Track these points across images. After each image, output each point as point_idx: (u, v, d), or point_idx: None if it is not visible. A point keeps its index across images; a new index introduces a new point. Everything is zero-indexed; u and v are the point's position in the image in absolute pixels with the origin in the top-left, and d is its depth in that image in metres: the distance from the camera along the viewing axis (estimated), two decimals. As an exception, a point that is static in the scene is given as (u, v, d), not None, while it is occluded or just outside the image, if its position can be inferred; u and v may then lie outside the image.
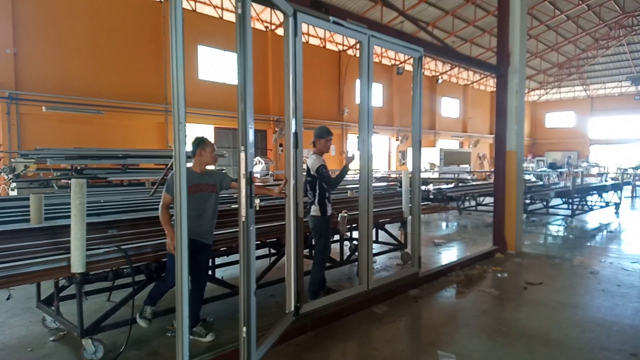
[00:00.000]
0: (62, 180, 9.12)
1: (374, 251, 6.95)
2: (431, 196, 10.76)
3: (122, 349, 3.60)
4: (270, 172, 16.93)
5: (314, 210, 4.72)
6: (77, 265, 3.26)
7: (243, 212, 2.95)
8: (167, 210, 3.71)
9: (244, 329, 3.03)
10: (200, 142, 3.90)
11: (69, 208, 3.30)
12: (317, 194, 4.69)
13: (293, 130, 4.04)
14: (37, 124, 13.92)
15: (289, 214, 3.97)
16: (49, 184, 9.08)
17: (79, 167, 9.66)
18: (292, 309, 3.98)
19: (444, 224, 11.08)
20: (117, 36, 15.60)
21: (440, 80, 30.41)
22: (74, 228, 3.24)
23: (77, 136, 14.20)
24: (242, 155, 2.96)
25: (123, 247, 3.69)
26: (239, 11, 3.08)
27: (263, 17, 20.62)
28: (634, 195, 17.33)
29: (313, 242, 4.96)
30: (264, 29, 20.67)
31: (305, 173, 4.70)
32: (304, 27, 21.76)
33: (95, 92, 14.97)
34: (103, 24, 15.29)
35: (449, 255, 7.51)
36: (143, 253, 3.76)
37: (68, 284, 3.71)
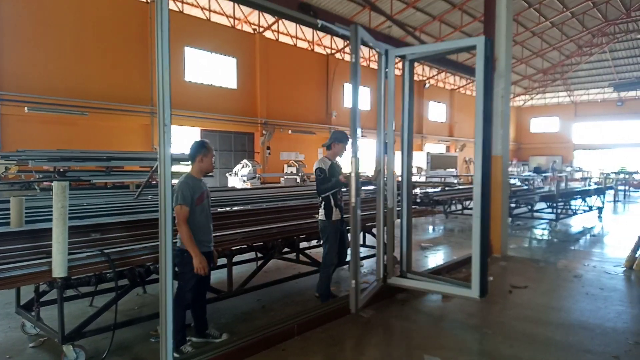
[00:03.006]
0: (45, 183, 8.95)
1: (361, 255, 6.94)
2: (418, 200, 10.81)
3: (104, 355, 3.53)
4: (257, 175, 16.85)
5: (321, 213, 4.77)
6: (58, 270, 3.20)
7: (353, 199, 4.11)
8: (187, 225, 3.51)
9: (353, 281, 4.23)
10: (201, 146, 3.71)
11: (51, 211, 3.23)
12: (322, 197, 4.73)
13: (384, 140, 4.97)
14: (19, 125, 13.66)
15: (379, 204, 4.93)
16: (31, 186, 8.90)
17: (61, 169, 9.49)
18: (381, 276, 5.03)
19: (430, 228, 11.14)
20: (102, 37, 15.41)
21: (427, 85, 30.67)
22: (55, 231, 3.17)
23: (61, 138, 13.99)
24: (353, 160, 4.13)
25: (106, 251, 3.62)
26: (353, 60, 4.09)
27: (251, 20, 20.58)
28: (616, 199, 17.64)
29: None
30: (252, 31, 20.63)
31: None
32: (292, 30, 21.80)
33: (80, 93, 14.75)
34: (88, 23, 15.10)
35: (435, 258, 7.54)
36: (127, 257, 3.69)
37: (49, 289, 3.63)
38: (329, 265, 4.92)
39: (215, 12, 19.35)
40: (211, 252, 3.83)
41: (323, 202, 4.74)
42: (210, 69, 18.94)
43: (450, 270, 6.33)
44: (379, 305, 4.86)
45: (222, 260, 4.67)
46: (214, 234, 4.19)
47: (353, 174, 4.09)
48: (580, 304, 5.09)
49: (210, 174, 3.90)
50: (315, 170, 4.72)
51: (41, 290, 3.76)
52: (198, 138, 17.52)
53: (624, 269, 6.65)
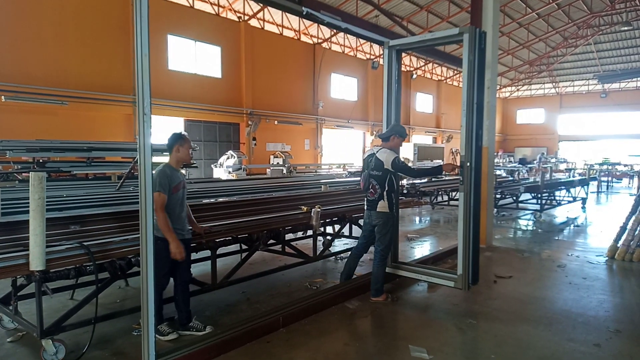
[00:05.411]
0: (24, 174, 8.73)
1: (348, 246, 6.93)
2: (405, 191, 10.83)
3: (85, 349, 3.46)
4: (243, 166, 16.72)
5: (382, 206, 4.66)
6: (36, 263, 3.11)
7: (466, 188, 4.46)
8: (164, 212, 3.56)
9: (462, 270, 4.53)
10: (178, 137, 3.81)
11: (29, 203, 3.13)
12: (386, 190, 4.63)
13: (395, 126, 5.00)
14: (-4, 114, 13.31)
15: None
16: (9, 177, 8.69)
17: (41, 160, 9.26)
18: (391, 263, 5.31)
19: (417, 219, 11.18)
20: (83, 24, 15.00)
21: (414, 76, 30.68)
22: (32, 224, 3.08)
23: (40, 128, 13.63)
24: (465, 145, 4.45)
25: (86, 243, 3.53)
26: (470, 58, 4.32)
27: (236, 7, 20.27)
28: (600, 190, 17.92)
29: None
30: (237, 19, 20.32)
31: (370, 168, 4.72)
32: (278, 19, 21.54)
33: (60, 82, 14.37)
34: (69, 10, 14.68)
35: (421, 249, 7.57)
36: (107, 250, 3.60)
37: (27, 283, 3.53)
38: (386, 258, 4.86)
39: (199, -1, 19.02)
40: (185, 240, 3.82)
41: (386, 194, 4.63)
42: (195, 57, 18.64)
43: (436, 261, 6.36)
44: (365, 296, 4.85)
45: (206, 253, 4.61)
46: (201, 225, 4.17)
47: (474, 164, 4.37)
48: (563, 293, 5.16)
49: (186, 163, 3.98)
50: (395, 159, 4.56)
51: (19, 284, 3.66)
52: (181, 128, 17.24)
53: (606, 258, 6.75)
